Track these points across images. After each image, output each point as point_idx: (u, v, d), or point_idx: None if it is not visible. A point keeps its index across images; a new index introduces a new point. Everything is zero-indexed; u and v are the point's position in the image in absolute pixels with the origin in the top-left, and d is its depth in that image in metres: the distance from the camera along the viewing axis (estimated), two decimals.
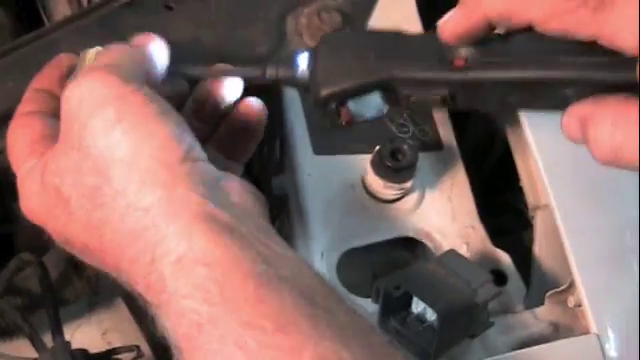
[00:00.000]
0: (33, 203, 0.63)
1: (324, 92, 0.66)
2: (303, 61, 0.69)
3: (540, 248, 0.92)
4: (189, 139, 0.60)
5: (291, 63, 0.69)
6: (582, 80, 0.60)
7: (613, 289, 0.85)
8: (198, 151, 0.60)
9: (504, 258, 0.90)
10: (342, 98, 0.66)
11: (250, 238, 0.55)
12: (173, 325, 0.54)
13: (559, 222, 0.87)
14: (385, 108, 0.67)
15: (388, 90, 0.66)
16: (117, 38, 0.78)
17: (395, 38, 0.67)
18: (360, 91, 0.66)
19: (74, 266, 1.00)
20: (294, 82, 0.69)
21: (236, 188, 0.61)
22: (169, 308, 0.54)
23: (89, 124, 0.59)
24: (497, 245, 0.91)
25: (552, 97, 0.62)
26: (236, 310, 0.52)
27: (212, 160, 0.62)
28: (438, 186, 0.91)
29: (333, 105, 0.66)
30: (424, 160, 0.89)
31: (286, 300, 0.52)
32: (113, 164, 0.58)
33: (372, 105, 0.67)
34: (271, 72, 0.69)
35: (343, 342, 0.51)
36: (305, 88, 0.69)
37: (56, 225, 0.61)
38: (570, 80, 0.61)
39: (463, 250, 0.88)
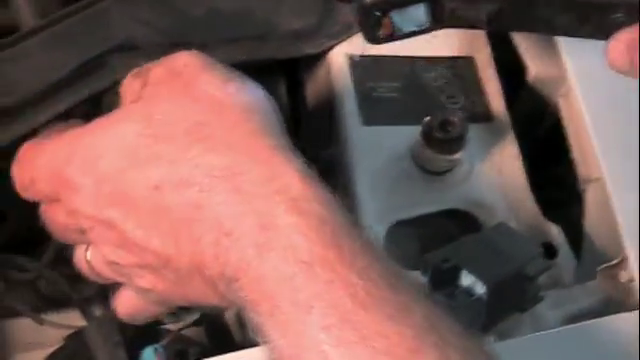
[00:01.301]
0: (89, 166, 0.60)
1: None
2: None
3: (591, 222, 0.91)
4: None
5: None
6: (635, 4, 0.59)
7: None
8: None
9: (555, 231, 0.89)
10: (387, 6, 0.64)
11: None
12: (273, 266, 0.52)
13: (611, 196, 0.86)
14: (427, 24, 0.65)
15: (434, 2, 0.64)
16: (168, 8, 0.77)
17: None
18: (407, 1, 0.64)
19: None
20: None
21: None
22: (274, 244, 0.52)
23: (201, 76, 0.59)
24: (548, 218, 0.90)
25: (601, 22, 0.60)
26: (350, 257, 0.51)
27: None
28: (488, 158, 0.90)
29: (377, 13, 0.64)
30: (474, 131, 0.88)
31: (388, 261, 0.52)
32: (225, 107, 0.57)
33: (415, 19, 0.65)
34: None
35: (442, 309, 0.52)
36: None
37: (128, 172, 0.58)
38: (624, 2, 0.59)
39: (513, 223, 0.87)
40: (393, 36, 0.65)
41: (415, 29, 0.65)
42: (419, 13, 0.64)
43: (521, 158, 0.91)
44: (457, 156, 0.86)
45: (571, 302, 0.84)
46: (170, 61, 0.62)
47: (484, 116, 0.93)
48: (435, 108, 0.90)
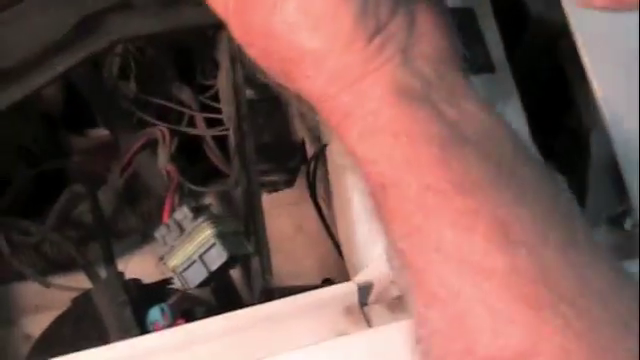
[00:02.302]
0: None
1: None
2: None
3: (595, 170, 0.91)
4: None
5: None
6: None
7: None
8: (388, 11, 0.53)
9: (558, 180, 0.89)
10: None
11: (439, 104, 0.53)
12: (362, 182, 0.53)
13: (614, 143, 0.86)
14: None
15: None
16: None
17: None
18: None
19: (128, 201, 1.01)
20: None
21: (429, 35, 0.57)
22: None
23: None
24: (551, 167, 0.89)
25: None
26: (419, 174, 0.50)
27: None
28: None
29: None
30: (475, 82, 0.86)
31: (469, 163, 0.51)
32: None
33: None
34: None
35: (523, 204, 0.50)
36: None
37: None
38: None
39: None
40: None
41: None
42: None
43: (523, 108, 0.91)
44: None
45: None
46: None
47: (485, 67, 0.92)
48: None
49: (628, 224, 0.85)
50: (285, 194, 1.13)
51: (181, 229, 0.85)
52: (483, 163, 0.51)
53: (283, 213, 1.19)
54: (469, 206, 0.49)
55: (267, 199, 1.01)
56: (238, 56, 0.92)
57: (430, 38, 0.54)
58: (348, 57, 0.53)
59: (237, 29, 0.56)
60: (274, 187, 1.07)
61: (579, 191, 0.90)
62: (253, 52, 0.57)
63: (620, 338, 0.46)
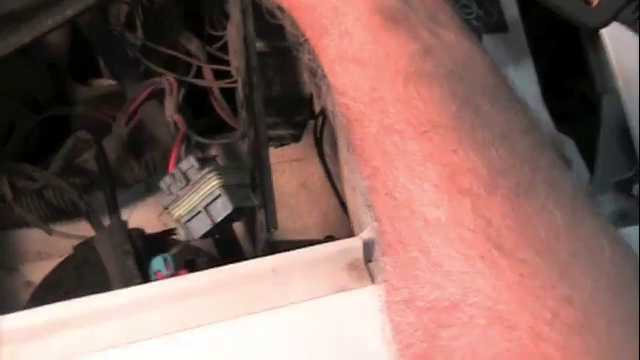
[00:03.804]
0: None
1: None
2: None
3: (606, 134, 0.90)
4: None
5: None
6: None
7: None
8: None
9: (568, 143, 0.88)
10: None
11: (417, 28, 0.52)
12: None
13: (626, 108, 0.85)
14: None
15: None
16: None
17: None
18: None
19: (132, 151, 1.00)
20: None
21: None
22: (331, 97, 0.54)
23: None
24: (561, 130, 0.89)
25: None
26: (380, 112, 0.50)
27: None
28: (502, 69, 0.89)
29: None
30: (488, 42, 0.87)
31: (432, 100, 0.50)
32: None
33: None
34: None
35: (481, 148, 0.48)
36: None
37: None
38: None
39: None
40: None
41: None
42: None
43: (535, 69, 0.90)
44: None
45: None
46: None
47: (499, 26, 0.91)
48: None
49: (636, 190, 0.84)
50: (290, 150, 1.12)
51: (187, 179, 0.84)
52: (447, 99, 0.49)
53: (287, 169, 1.18)
54: (424, 150, 0.48)
55: (272, 154, 1.00)
56: (249, 7, 0.90)
57: None
58: None
59: None
60: (280, 141, 1.07)
61: (588, 156, 0.89)
62: None
63: (553, 286, 0.44)
